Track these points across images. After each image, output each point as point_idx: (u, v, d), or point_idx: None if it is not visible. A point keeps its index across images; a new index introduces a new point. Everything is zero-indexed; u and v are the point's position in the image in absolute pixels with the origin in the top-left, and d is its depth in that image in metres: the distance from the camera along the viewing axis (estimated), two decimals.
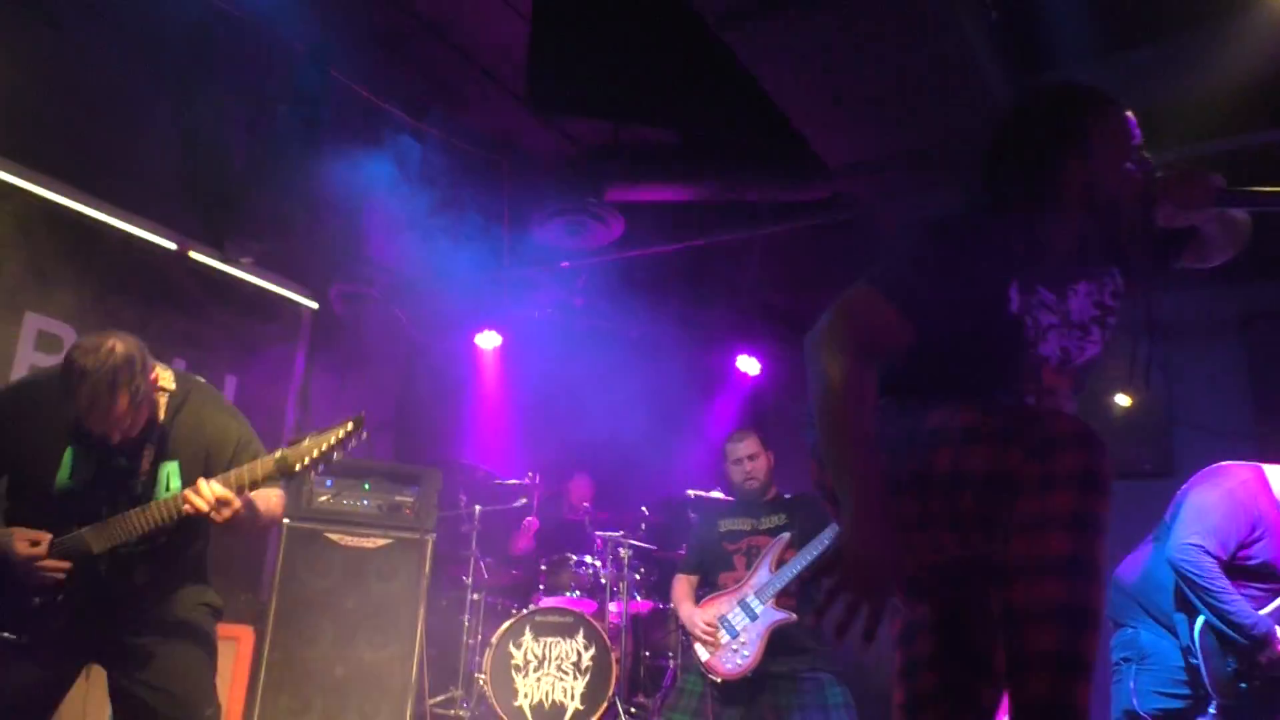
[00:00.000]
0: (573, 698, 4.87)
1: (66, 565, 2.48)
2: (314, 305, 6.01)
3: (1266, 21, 3.43)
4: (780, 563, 4.24)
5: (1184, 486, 3.67)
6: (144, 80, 4.93)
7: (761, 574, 4.24)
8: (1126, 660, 3.68)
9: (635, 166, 5.35)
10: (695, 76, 4.65)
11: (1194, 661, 3.46)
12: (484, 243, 6.08)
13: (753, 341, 6.79)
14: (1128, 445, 6.16)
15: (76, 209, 4.58)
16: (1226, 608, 3.34)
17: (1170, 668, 3.55)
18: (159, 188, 5.04)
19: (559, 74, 4.59)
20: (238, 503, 2.49)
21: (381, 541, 4.33)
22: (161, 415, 2.66)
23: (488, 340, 6.64)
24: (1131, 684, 3.64)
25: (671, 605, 4.76)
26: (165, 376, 2.70)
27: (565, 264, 5.89)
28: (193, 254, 5.21)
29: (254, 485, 2.55)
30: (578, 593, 5.48)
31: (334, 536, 4.27)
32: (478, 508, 5.41)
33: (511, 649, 4.88)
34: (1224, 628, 3.36)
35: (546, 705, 4.83)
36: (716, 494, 5.63)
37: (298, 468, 2.61)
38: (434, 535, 4.43)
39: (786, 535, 4.29)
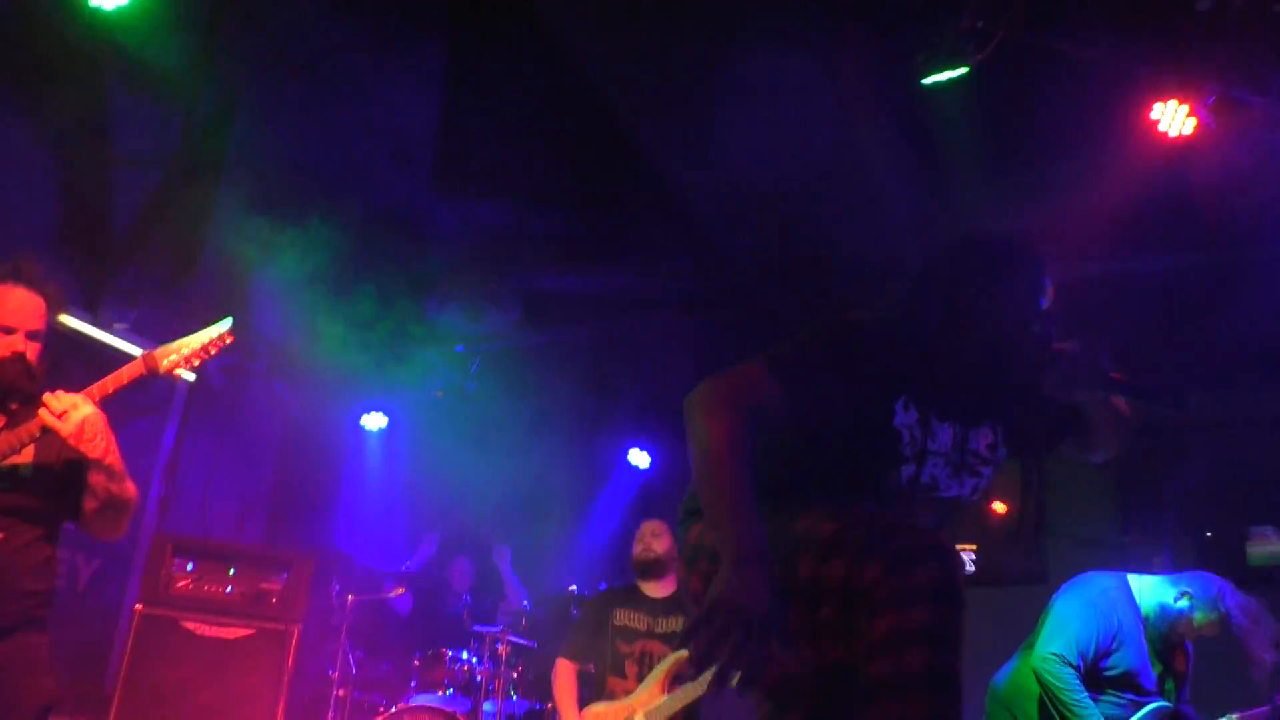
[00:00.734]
0: None
1: None
2: (190, 377, 5.74)
3: (1142, 151, 3.68)
4: (674, 681, 4.10)
5: (1054, 595, 3.75)
6: (23, 131, 4.72)
7: (651, 691, 4.07)
8: None
9: (538, 254, 5.36)
10: (602, 167, 4.73)
11: None
12: (377, 322, 5.95)
13: (645, 436, 6.78)
14: (1001, 552, 6.33)
15: None
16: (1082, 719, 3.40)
17: None
18: (30, 245, 4.78)
19: (468, 157, 4.61)
20: (89, 408, 2.40)
21: (243, 632, 4.05)
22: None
23: (373, 421, 6.45)
24: None
25: (551, 704, 4.57)
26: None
27: (459, 348, 5.81)
28: (62, 317, 4.93)
29: (118, 386, 2.48)
30: (451, 690, 5.24)
31: (190, 625, 3.98)
32: (350, 598, 5.16)
33: None
34: None
35: None
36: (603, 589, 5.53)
37: (165, 364, 2.55)
38: (300, 626, 4.18)
39: (685, 653, 4.17)
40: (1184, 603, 3.56)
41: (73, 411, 2.41)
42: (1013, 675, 3.76)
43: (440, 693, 5.19)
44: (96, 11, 3.98)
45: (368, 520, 6.44)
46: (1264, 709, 3.65)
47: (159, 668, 3.90)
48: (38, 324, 2.59)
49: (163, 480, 5.43)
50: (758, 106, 3.80)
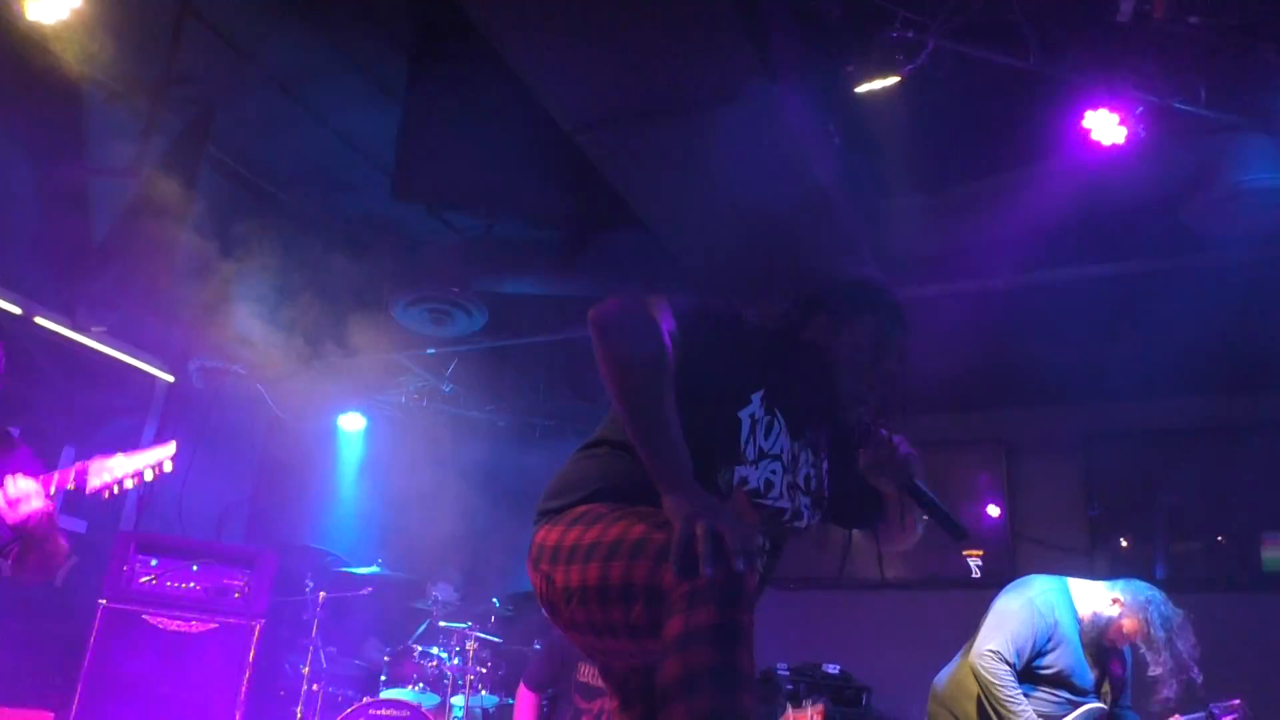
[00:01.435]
0: None
1: None
2: (169, 378, 5.88)
3: (1053, 173, 3.76)
4: None
5: (994, 597, 3.84)
6: (2, 137, 4.85)
7: None
8: None
9: (505, 259, 5.45)
10: (559, 174, 4.81)
11: None
12: (354, 324, 6.06)
13: None
14: (1011, 561, 6.40)
15: None
16: (1014, 716, 3.47)
17: None
18: (8, 248, 4.93)
19: (428, 164, 4.69)
20: (38, 500, 2.57)
21: (205, 626, 4.18)
22: None
23: (351, 422, 6.57)
24: None
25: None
26: None
27: (431, 351, 5.91)
28: (39, 320, 5.08)
29: (60, 487, 2.67)
30: (421, 685, 5.35)
31: (153, 620, 4.11)
32: (322, 594, 5.27)
33: None
34: None
35: None
36: None
37: (93, 482, 2.75)
38: (262, 621, 4.29)
39: None
40: (1115, 609, 3.65)
41: (21, 504, 2.59)
42: (953, 675, 3.85)
43: (411, 688, 5.31)
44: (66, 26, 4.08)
45: (346, 518, 6.55)
46: (1199, 715, 3.72)
47: (122, 660, 4.03)
48: None
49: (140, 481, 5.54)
50: (706, 118, 3.88)
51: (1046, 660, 3.62)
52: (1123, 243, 4.44)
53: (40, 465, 2.86)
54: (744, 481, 1.84)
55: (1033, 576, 3.85)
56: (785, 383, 1.90)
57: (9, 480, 2.60)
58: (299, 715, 4.99)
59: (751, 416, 1.85)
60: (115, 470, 2.77)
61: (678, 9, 3.38)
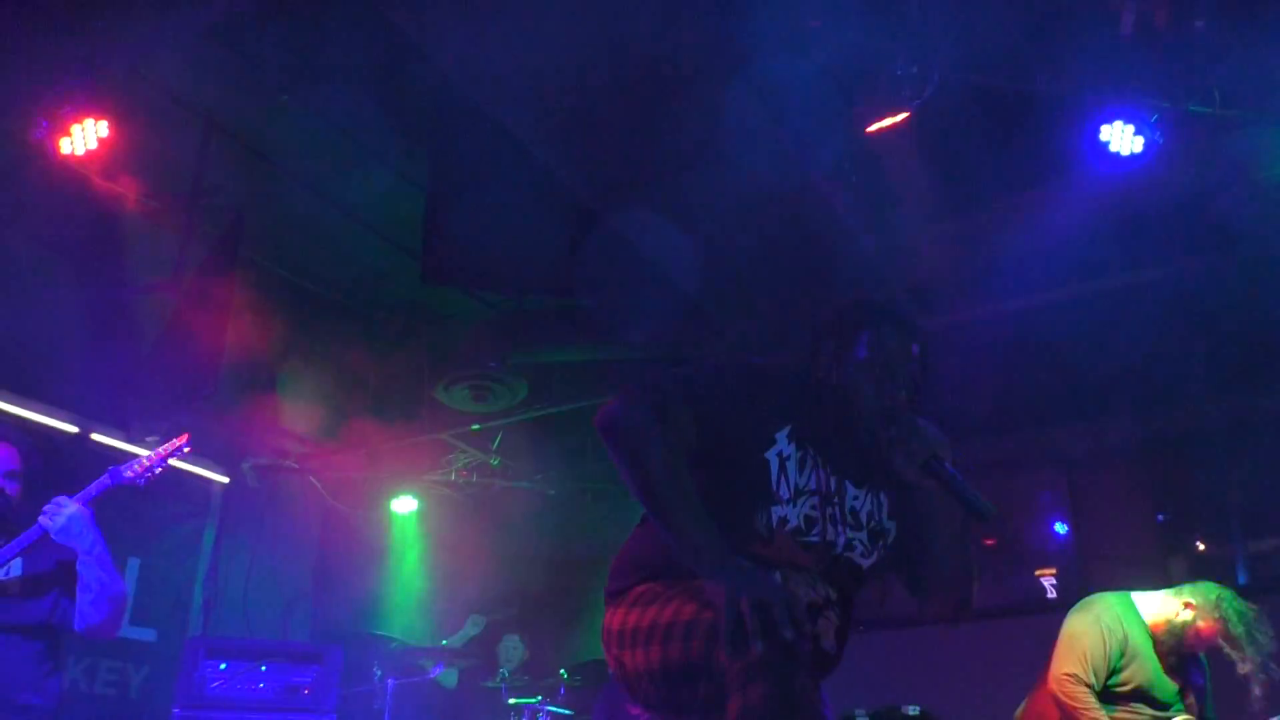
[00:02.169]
0: None
1: None
2: (224, 480, 5.98)
3: (1076, 188, 3.74)
4: None
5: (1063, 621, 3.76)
6: (47, 264, 5.02)
7: None
8: None
9: (538, 331, 5.50)
10: (588, 246, 4.86)
11: None
12: (400, 409, 6.14)
13: None
14: (1083, 579, 6.25)
15: None
16: None
17: None
18: (60, 371, 5.07)
19: (453, 248, 4.77)
20: (74, 507, 2.83)
21: None
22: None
23: (404, 505, 6.62)
24: None
25: None
26: None
27: (476, 427, 5.96)
28: (95, 435, 5.21)
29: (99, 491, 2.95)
30: None
31: None
32: (391, 681, 5.27)
33: None
34: None
35: None
36: None
37: (128, 474, 3.01)
38: (333, 717, 4.30)
39: None
40: (1189, 614, 3.55)
41: (61, 511, 2.81)
42: (1030, 703, 3.76)
43: None
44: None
45: (407, 603, 6.57)
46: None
47: None
48: (12, 466, 3.00)
49: (205, 585, 5.62)
50: (717, 170, 3.93)
51: (1123, 676, 3.53)
52: (1160, 245, 4.38)
53: None
54: (784, 521, 1.82)
55: (1096, 595, 3.77)
56: (812, 417, 1.89)
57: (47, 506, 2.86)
58: None
59: (779, 455, 1.84)
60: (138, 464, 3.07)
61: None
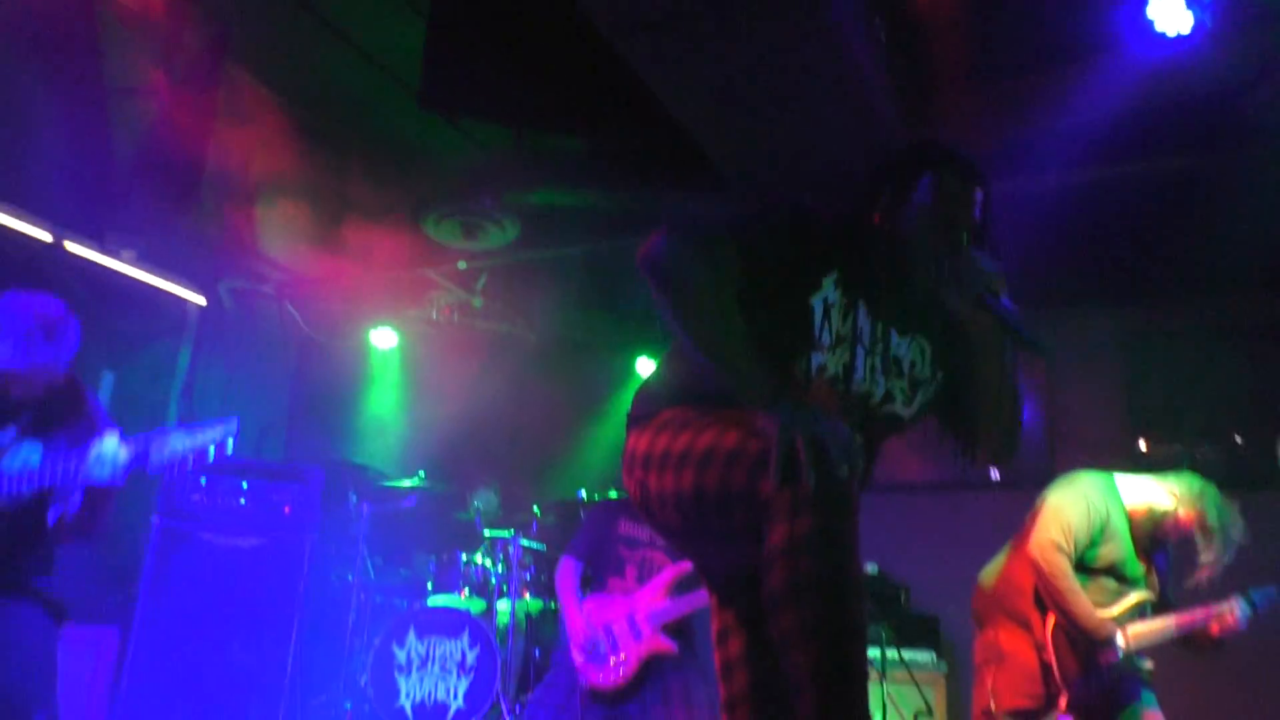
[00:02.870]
0: (456, 697, 4.84)
1: None
2: (201, 301, 5.87)
3: (1143, 53, 3.61)
4: (676, 590, 4.21)
5: (1045, 492, 3.85)
6: (23, 63, 4.75)
7: (655, 595, 4.20)
8: (986, 662, 3.84)
9: (534, 170, 5.36)
10: (595, 83, 4.68)
11: (1046, 658, 3.63)
12: (380, 240, 6.01)
13: (653, 345, 6.85)
14: (1029, 466, 6.38)
15: None
16: (1071, 607, 3.53)
17: (1026, 667, 3.70)
18: (36, 176, 4.86)
19: (455, 75, 4.57)
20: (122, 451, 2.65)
21: (257, 542, 4.26)
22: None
23: (384, 339, 6.57)
24: (990, 684, 3.80)
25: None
26: None
27: (462, 265, 5.86)
28: (69, 245, 5.05)
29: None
30: (467, 591, 5.46)
31: (207, 536, 4.18)
32: (366, 507, 5.35)
33: (395, 649, 4.84)
34: (1070, 627, 3.54)
35: (429, 704, 4.80)
36: (612, 494, 5.68)
37: (157, 458, 2.71)
38: (314, 536, 4.37)
39: (688, 565, 4.28)
40: (1170, 503, 3.66)
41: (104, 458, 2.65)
42: (1002, 571, 3.88)
43: (457, 594, 5.42)
44: None
45: (383, 435, 6.61)
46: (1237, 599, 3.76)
47: (179, 577, 4.11)
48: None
49: (180, 403, 5.60)
50: (744, 18, 3.74)
51: (1099, 552, 3.66)
52: (1174, 137, 4.29)
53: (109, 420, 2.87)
54: (823, 369, 1.81)
55: (1080, 472, 3.85)
56: (861, 263, 1.85)
57: (98, 443, 2.65)
58: (352, 622, 5.12)
59: (825, 301, 1.81)
60: (177, 446, 2.74)
61: None
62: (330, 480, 5.20)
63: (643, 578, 4.32)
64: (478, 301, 6.41)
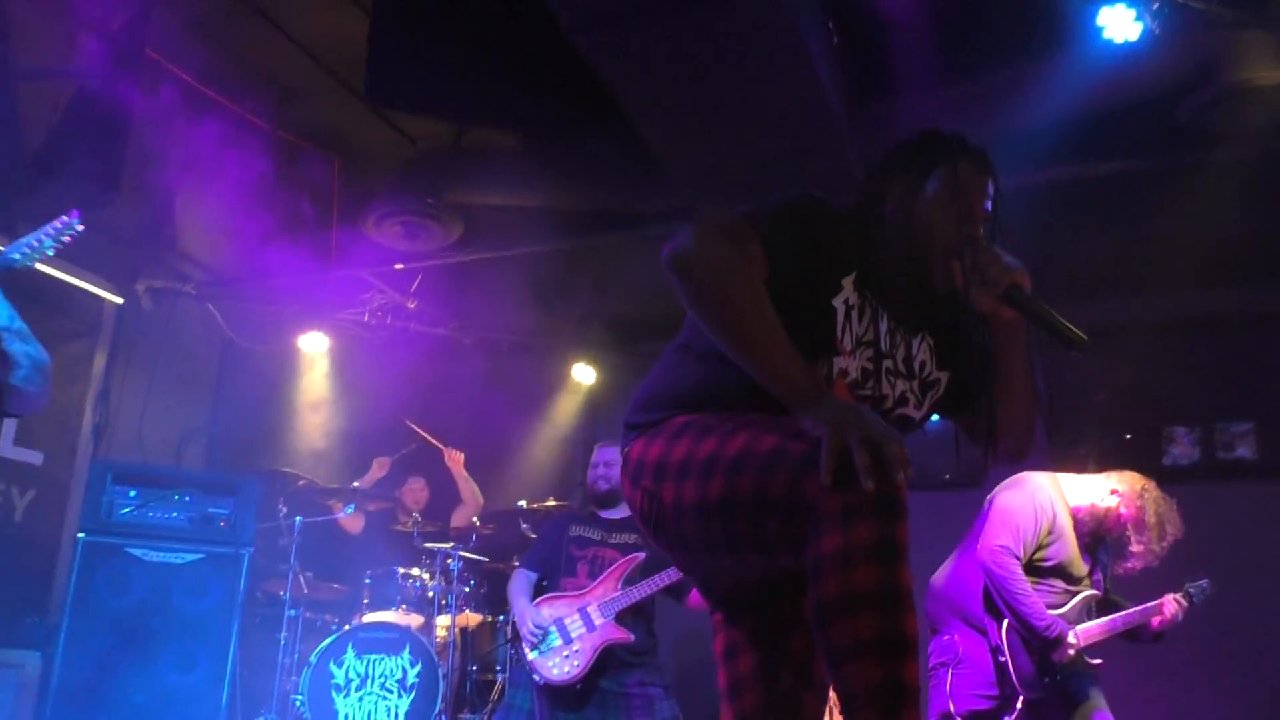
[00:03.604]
0: (396, 717, 4.66)
1: None
2: (118, 300, 5.55)
3: (1091, 58, 3.68)
4: (629, 581, 4.20)
5: (990, 494, 3.90)
6: None
7: (607, 586, 4.19)
8: (943, 664, 3.85)
9: (476, 169, 5.22)
10: (541, 80, 4.58)
11: (1002, 660, 3.67)
12: (311, 240, 5.78)
13: (589, 351, 6.76)
14: (934, 458, 6.49)
15: None
16: (1024, 610, 3.57)
17: (983, 669, 3.74)
18: None
19: (399, 70, 4.42)
20: None
21: (192, 556, 4.02)
22: None
23: (313, 343, 6.32)
24: (948, 687, 3.81)
25: (503, 616, 4.64)
26: None
27: (400, 266, 5.68)
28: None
29: None
30: (405, 607, 5.27)
31: (137, 551, 3.92)
32: (298, 519, 5.11)
33: (332, 668, 4.63)
34: (1023, 628, 3.59)
35: None
36: (551, 502, 5.57)
37: (16, 256, 2.84)
38: (250, 549, 4.15)
39: (641, 555, 4.25)
40: (1113, 499, 3.74)
41: None
42: (952, 574, 3.92)
43: (393, 609, 5.22)
44: None
45: (312, 443, 6.35)
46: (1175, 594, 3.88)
47: (107, 595, 3.85)
48: None
49: (96, 408, 5.27)
50: (699, 15, 3.70)
51: (1047, 553, 3.72)
52: (1115, 141, 4.41)
53: None
54: (844, 373, 1.74)
55: (1027, 474, 3.91)
56: (877, 262, 1.79)
57: None
58: (282, 642, 4.88)
59: (845, 303, 1.75)
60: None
61: None
62: (260, 490, 4.96)
63: (594, 574, 4.28)
64: (411, 304, 6.22)
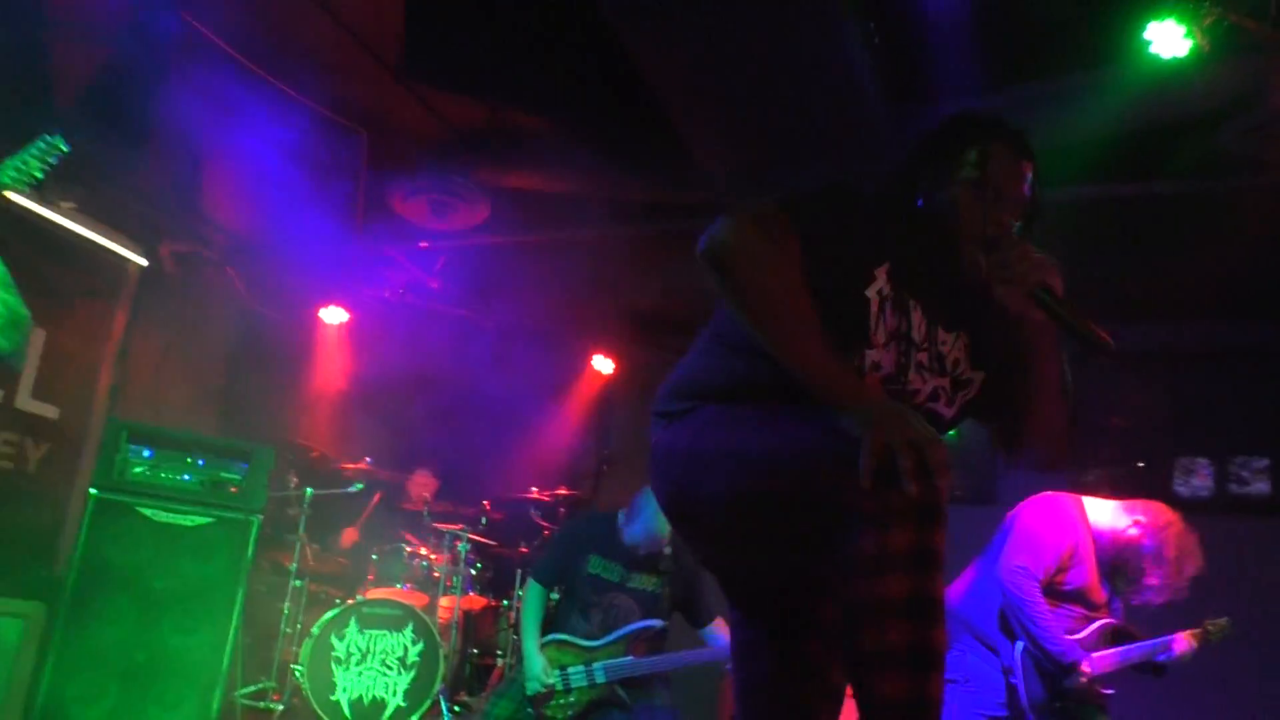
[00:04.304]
0: (395, 694, 4.66)
1: None
2: (142, 262, 5.54)
3: (1139, 72, 3.62)
4: (638, 652, 4.06)
5: (1012, 512, 3.83)
6: None
7: (617, 649, 4.06)
8: (951, 681, 3.80)
9: (507, 151, 5.19)
10: (576, 68, 4.55)
11: (1013, 682, 3.61)
12: (338, 214, 5.76)
13: (609, 341, 6.73)
14: (954, 474, 6.42)
15: None
16: (1040, 633, 3.51)
17: (992, 688, 3.68)
18: None
19: (435, 47, 4.40)
20: None
21: (202, 520, 4.00)
22: None
23: (333, 315, 6.31)
24: (955, 705, 3.77)
25: (513, 611, 4.56)
26: None
27: (424, 244, 5.66)
28: (6, 193, 4.69)
29: None
30: (409, 585, 5.26)
31: (147, 511, 3.92)
32: (309, 490, 5.11)
33: (334, 640, 4.63)
34: (1038, 651, 3.53)
35: (366, 701, 4.59)
36: (562, 491, 5.54)
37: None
38: (260, 516, 4.13)
39: (657, 625, 4.12)
40: (1135, 531, 3.67)
41: None
42: (969, 589, 3.86)
43: (398, 586, 5.21)
44: None
45: (326, 415, 6.35)
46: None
47: (114, 552, 3.84)
48: None
49: (112, 365, 5.27)
50: (739, 5, 3.66)
51: (1067, 576, 3.65)
52: (1151, 162, 4.34)
53: None
54: (876, 366, 1.68)
55: (1052, 495, 3.85)
56: (911, 252, 1.72)
57: None
58: (286, 612, 4.88)
59: (880, 294, 1.68)
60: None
61: None
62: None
63: (607, 625, 4.13)
64: (434, 282, 6.20)
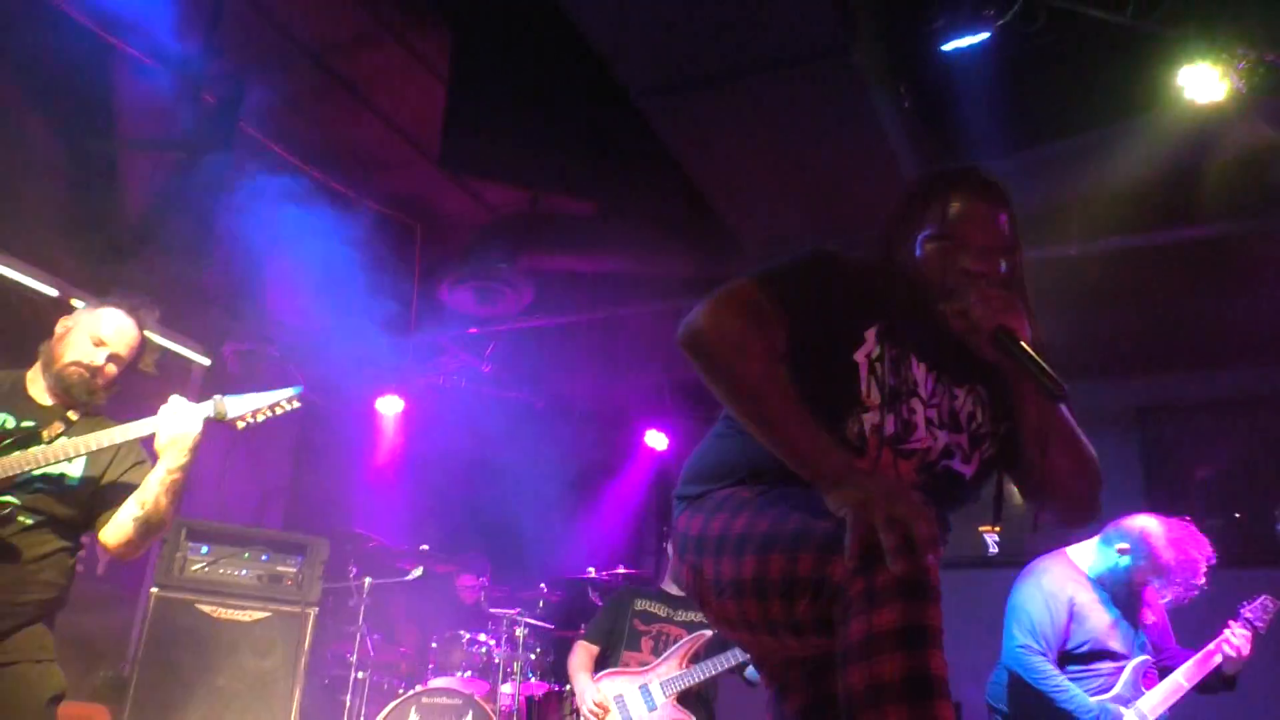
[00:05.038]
0: None
1: None
2: (206, 362, 5.74)
3: (1166, 123, 3.58)
4: (693, 659, 4.10)
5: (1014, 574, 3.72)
6: (32, 116, 4.69)
7: (670, 665, 4.10)
8: None
9: (549, 235, 5.30)
10: (612, 148, 4.65)
11: None
12: (391, 305, 5.91)
13: (661, 417, 6.72)
14: (1026, 537, 6.23)
15: None
16: (1067, 704, 3.37)
17: None
18: (43, 231, 4.77)
19: (475, 137, 4.54)
20: (197, 428, 2.72)
21: (259, 615, 4.04)
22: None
23: (389, 405, 6.42)
24: None
25: (568, 685, 4.56)
26: None
27: (474, 330, 5.76)
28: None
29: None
30: (469, 673, 5.22)
31: (206, 608, 3.98)
32: (368, 580, 5.13)
33: None
34: None
35: None
36: (621, 570, 5.50)
37: (229, 414, 2.85)
38: (316, 609, 4.16)
39: (708, 633, 4.16)
40: (1125, 559, 3.54)
41: (178, 415, 2.72)
42: (995, 674, 3.73)
43: (458, 675, 5.18)
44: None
45: (386, 503, 6.42)
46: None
47: (176, 651, 3.89)
48: (124, 351, 2.85)
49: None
50: (770, 81, 3.72)
51: (1078, 638, 3.51)
52: (1197, 205, 4.24)
53: None
54: (877, 428, 1.64)
55: (1034, 562, 3.73)
56: (902, 310, 1.71)
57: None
58: (347, 704, 4.87)
59: (869, 356, 1.66)
60: (247, 404, 2.87)
61: None
62: (332, 551, 5.01)
63: (659, 650, 4.19)
64: (485, 366, 6.29)
